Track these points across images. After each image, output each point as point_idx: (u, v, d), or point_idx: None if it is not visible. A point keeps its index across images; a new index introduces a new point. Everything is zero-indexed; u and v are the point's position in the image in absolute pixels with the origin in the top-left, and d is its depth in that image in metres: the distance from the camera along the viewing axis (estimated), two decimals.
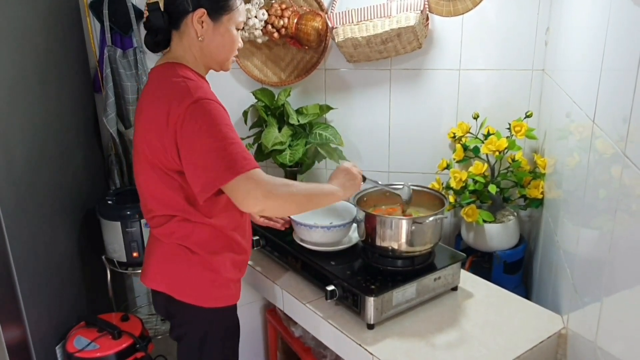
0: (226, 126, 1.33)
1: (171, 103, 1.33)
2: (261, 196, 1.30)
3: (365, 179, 1.64)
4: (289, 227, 1.83)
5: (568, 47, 1.70)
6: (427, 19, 2.14)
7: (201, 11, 1.39)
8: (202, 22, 1.41)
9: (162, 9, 1.43)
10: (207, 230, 1.48)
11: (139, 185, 1.51)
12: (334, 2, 2.22)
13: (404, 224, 1.57)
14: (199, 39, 1.42)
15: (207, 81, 1.48)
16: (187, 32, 1.42)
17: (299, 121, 2.27)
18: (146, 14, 1.45)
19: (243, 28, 2.18)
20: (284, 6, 2.22)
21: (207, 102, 1.33)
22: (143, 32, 2.42)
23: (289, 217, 1.79)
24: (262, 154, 2.30)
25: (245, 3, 2.21)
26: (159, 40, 1.46)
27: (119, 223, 2.27)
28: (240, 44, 1.50)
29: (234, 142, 1.31)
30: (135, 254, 2.31)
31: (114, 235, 2.30)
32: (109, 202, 2.35)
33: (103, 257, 2.41)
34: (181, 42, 1.44)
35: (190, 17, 1.40)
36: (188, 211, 1.45)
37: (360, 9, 2.14)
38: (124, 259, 2.33)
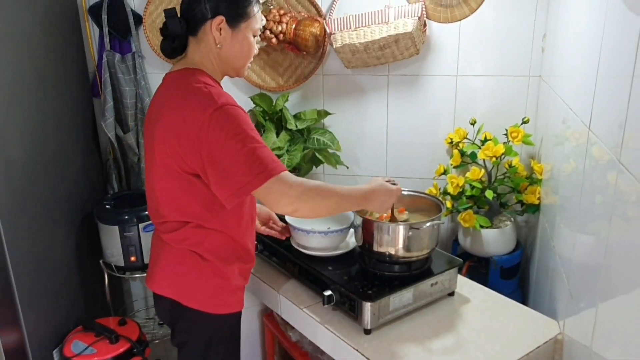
0: (252, 130, 1.34)
1: (195, 109, 1.33)
2: (295, 197, 1.32)
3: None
4: (289, 237, 1.83)
5: (564, 53, 1.71)
6: (425, 25, 2.15)
7: (220, 18, 1.40)
8: (221, 29, 1.41)
9: (179, 15, 1.43)
10: (220, 237, 1.48)
11: (153, 190, 1.50)
12: (332, 8, 2.23)
13: (401, 229, 1.57)
14: (218, 45, 1.43)
15: (221, 87, 1.47)
16: (205, 38, 1.43)
17: (296, 126, 2.27)
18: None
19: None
20: (282, 12, 2.23)
21: (231, 107, 1.34)
22: (142, 37, 2.44)
23: (287, 223, 1.79)
24: None
25: None
26: (175, 47, 1.46)
27: (117, 227, 2.27)
28: (256, 50, 1.51)
29: (262, 146, 1.33)
30: (133, 258, 2.31)
31: (111, 239, 2.30)
32: (107, 206, 2.35)
33: (101, 261, 2.40)
34: (198, 48, 1.45)
35: (208, 24, 1.41)
36: (204, 217, 1.44)
37: (358, 15, 2.15)
38: (122, 263, 2.33)
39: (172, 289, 1.51)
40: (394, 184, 1.59)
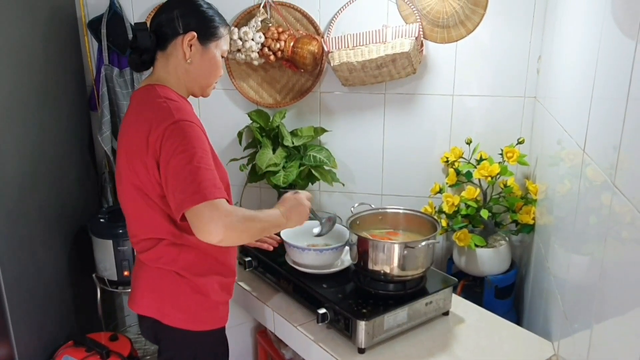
0: (202, 151, 1.33)
1: (152, 123, 1.34)
2: (222, 227, 1.27)
3: (312, 212, 1.61)
4: (278, 248, 1.83)
5: (559, 75, 1.73)
6: (422, 45, 2.17)
7: (192, 34, 1.43)
8: (191, 45, 1.44)
9: (149, 29, 1.45)
10: (194, 253, 1.47)
11: (125, 209, 1.50)
12: (330, 27, 2.25)
13: (396, 248, 1.57)
14: (188, 61, 1.45)
15: (189, 103, 1.48)
16: (175, 53, 1.45)
17: (293, 143, 2.28)
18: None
19: (239, 50, 2.22)
20: (280, 29, 2.25)
21: (187, 123, 1.34)
22: None
23: (281, 238, 1.79)
24: (256, 175, 2.31)
25: (243, 26, 2.25)
26: (144, 60, 1.48)
27: (110, 241, 2.26)
28: (221, 72, 1.54)
29: (207, 168, 1.31)
30: (126, 273, 2.29)
31: (105, 253, 2.29)
32: (102, 219, 2.34)
33: (93, 275, 2.39)
34: (167, 63, 1.46)
35: (179, 39, 1.43)
36: (173, 233, 1.44)
37: (356, 34, 2.17)
38: (115, 278, 2.31)
39: (152, 309, 1.51)
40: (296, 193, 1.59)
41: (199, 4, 1.47)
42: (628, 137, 1.00)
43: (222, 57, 1.52)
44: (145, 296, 1.52)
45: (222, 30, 1.49)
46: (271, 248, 1.84)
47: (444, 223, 2.16)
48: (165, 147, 1.31)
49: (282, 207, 1.51)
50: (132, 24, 2.42)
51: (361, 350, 1.52)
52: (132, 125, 1.42)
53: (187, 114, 1.37)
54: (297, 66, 2.27)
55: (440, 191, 2.21)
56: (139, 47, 1.45)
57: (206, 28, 1.45)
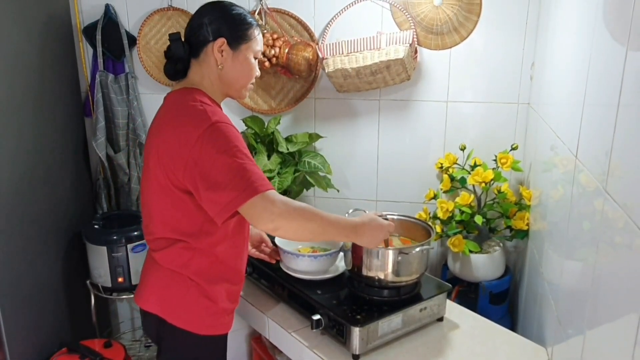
0: (244, 148, 1.35)
1: (188, 126, 1.36)
2: (277, 214, 1.30)
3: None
4: (279, 260, 1.83)
5: (552, 82, 1.74)
6: (416, 52, 2.18)
7: (221, 40, 1.44)
8: (222, 50, 1.45)
9: (182, 39, 1.47)
10: (207, 259, 1.48)
11: (146, 206, 1.51)
12: (325, 34, 2.26)
13: (391, 254, 1.57)
14: (219, 67, 1.46)
15: (221, 108, 1.50)
16: (207, 60, 1.47)
17: (288, 149, 2.28)
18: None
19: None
20: (275, 36, 2.25)
21: (224, 125, 1.36)
22: (135, 57, 2.45)
23: (275, 244, 1.79)
24: None
25: None
26: (179, 69, 1.49)
27: (105, 248, 2.25)
28: (257, 72, 1.54)
29: (252, 164, 1.34)
30: (120, 279, 2.29)
31: (99, 259, 2.28)
32: (96, 226, 2.33)
33: (88, 281, 2.38)
34: (200, 69, 1.48)
35: (210, 46, 1.45)
36: (192, 236, 1.45)
37: (351, 40, 2.18)
38: (109, 284, 2.30)
39: (159, 306, 1.51)
40: (386, 219, 1.56)
41: (227, 9, 1.47)
42: (619, 143, 1.01)
43: (255, 58, 1.52)
44: (153, 293, 1.52)
45: (252, 32, 1.49)
46: (274, 261, 1.83)
47: (438, 229, 2.16)
48: (206, 149, 1.32)
49: (360, 221, 1.48)
50: (127, 30, 2.42)
51: (355, 357, 1.52)
52: (166, 125, 1.42)
53: (222, 117, 1.39)
54: (292, 72, 2.27)
55: (435, 197, 2.21)
56: (173, 57, 1.47)
57: (235, 32, 1.46)
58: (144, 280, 1.56)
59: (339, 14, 2.23)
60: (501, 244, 2.15)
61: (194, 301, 1.49)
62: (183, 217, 1.44)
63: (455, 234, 2.09)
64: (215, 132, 1.34)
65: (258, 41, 1.51)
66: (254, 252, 1.82)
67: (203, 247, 1.46)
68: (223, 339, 1.58)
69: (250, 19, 1.49)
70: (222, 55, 1.45)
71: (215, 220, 1.36)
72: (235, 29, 1.46)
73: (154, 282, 1.53)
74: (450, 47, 2.18)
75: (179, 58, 1.47)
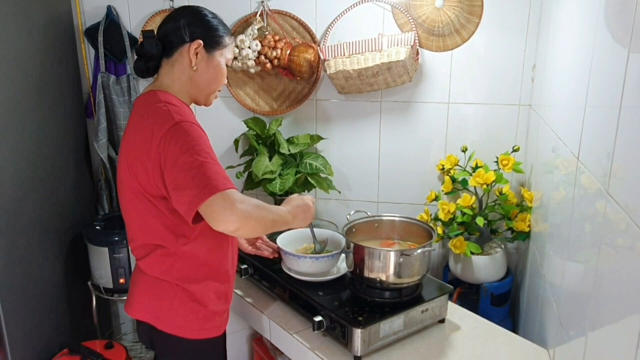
0: (207, 147, 1.34)
1: (153, 127, 1.35)
2: (237, 214, 1.27)
3: (311, 229, 1.69)
4: (278, 256, 1.83)
5: (553, 84, 1.74)
6: (418, 53, 2.18)
7: (198, 42, 1.45)
8: (197, 53, 1.45)
9: (155, 37, 1.47)
10: (189, 262, 1.47)
11: (125, 214, 1.51)
12: (327, 35, 2.26)
13: (392, 255, 1.57)
14: (193, 68, 1.46)
15: (189, 108, 1.49)
16: (180, 61, 1.47)
17: (289, 150, 2.29)
18: (140, 39, 1.49)
19: (236, 58, 2.23)
20: (277, 37, 2.26)
21: (187, 124, 1.35)
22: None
23: (278, 246, 1.79)
24: (253, 183, 2.31)
25: (239, 34, 2.26)
26: (149, 67, 1.50)
27: (106, 249, 2.26)
28: (225, 80, 1.56)
29: (213, 163, 1.32)
30: (122, 280, 2.29)
31: (101, 260, 2.28)
32: (97, 227, 2.33)
33: (89, 282, 2.38)
34: (172, 70, 1.48)
35: (186, 47, 1.45)
36: (168, 239, 1.44)
37: (352, 42, 2.18)
38: (111, 285, 2.31)
39: (149, 314, 1.51)
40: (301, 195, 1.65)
41: (204, 14, 1.49)
42: (621, 145, 1.01)
43: (227, 65, 1.54)
44: (141, 301, 1.52)
45: (227, 39, 1.52)
46: (271, 256, 1.83)
47: (439, 230, 2.16)
48: (169, 149, 1.32)
49: (288, 206, 1.55)
50: (129, 31, 2.43)
51: (357, 358, 1.52)
52: (133, 131, 1.43)
53: (188, 116, 1.39)
54: (294, 74, 2.27)
55: (436, 199, 2.21)
56: (145, 54, 1.47)
57: (212, 37, 1.47)
58: (133, 290, 1.57)
59: (340, 16, 2.24)
60: (502, 246, 2.15)
61: (182, 306, 1.49)
62: (156, 221, 1.43)
63: (456, 235, 2.09)
64: (178, 131, 1.33)
65: (231, 50, 1.55)
66: (250, 249, 1.82)
67: (183, 250, 1.46)
68: (219, 341, 1.58)
69: (225, 27, 1.52)
70: (197, 57, 1.46)
71: (187, 220, 1.34)
72: (212, 34, 1.48)
73: (142, 291, 1.53)
74: (452, 49, 2.18)
75: (151, 56, 1.47)
